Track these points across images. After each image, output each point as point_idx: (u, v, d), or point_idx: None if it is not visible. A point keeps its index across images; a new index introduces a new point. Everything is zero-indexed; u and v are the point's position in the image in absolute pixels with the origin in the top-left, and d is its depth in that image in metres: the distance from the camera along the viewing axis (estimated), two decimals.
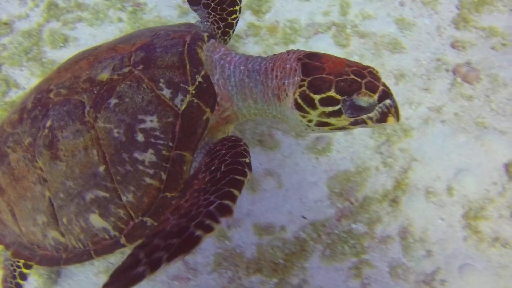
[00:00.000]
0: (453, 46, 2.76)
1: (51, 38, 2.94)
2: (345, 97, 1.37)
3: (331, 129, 1.48)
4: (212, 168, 1.33)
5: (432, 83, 2.70)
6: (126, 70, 1.50)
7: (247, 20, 2.89)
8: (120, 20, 2.99)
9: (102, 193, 1.51)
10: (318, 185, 2.54)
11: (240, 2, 1.79)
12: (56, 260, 1.71)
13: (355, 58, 2.78)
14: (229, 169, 1.30)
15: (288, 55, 1.51)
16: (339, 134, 2.54)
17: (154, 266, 0.98)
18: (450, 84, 2.70)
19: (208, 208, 1.12)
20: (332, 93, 1.37)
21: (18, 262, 1.95)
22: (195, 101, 1.47)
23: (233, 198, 1.18)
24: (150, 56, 1.51)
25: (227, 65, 1.58)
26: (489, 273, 2.39)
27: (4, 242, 1.87)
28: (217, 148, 1.45)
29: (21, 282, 1.97)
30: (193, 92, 1.47)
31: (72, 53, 2.89)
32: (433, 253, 2.42)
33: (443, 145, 2.56)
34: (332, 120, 1.43)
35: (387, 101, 1.40)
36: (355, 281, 2.40)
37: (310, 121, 1.46)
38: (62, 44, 2.94)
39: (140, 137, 1.45)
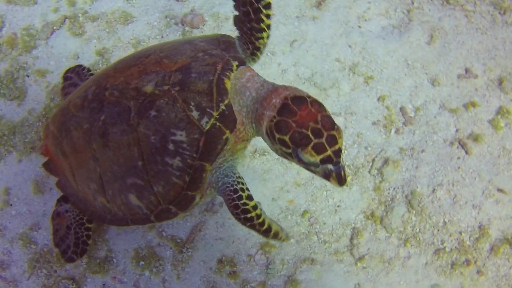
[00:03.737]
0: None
1: None
2: (293, 146, 1.58)
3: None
4: None
5: (166, 40, 2.98)
6: (165, 88, 1.78)
7: None
8: None
9: (139, 181, 1.89)
10: None
11: (268, 29, 1.90)
12: (103, 218, 2.19)
13: (93, 42, 2.99)
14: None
15: (282, 90, 1.70)
16: None
17: None
18: (181, 35, 2.99)
19: None
20: (286, 138, 1.59)
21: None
22: (218, 124, 1.76)
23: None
24: (186, 80, 1.78)
25: (247, 92, 1.80)
26: (258, 181, 2.80)
27: (65, 191, 2.36)
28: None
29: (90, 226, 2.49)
30: (217, 116, 1.76)
31: None
32: None
33: None
34: (289, 157, 1.68)
35: (329, 166, 1.56)
36: (151, 232, 2.74)
37: (276, 150, 1.73)
38: None
39: (171, 146, 1.77)
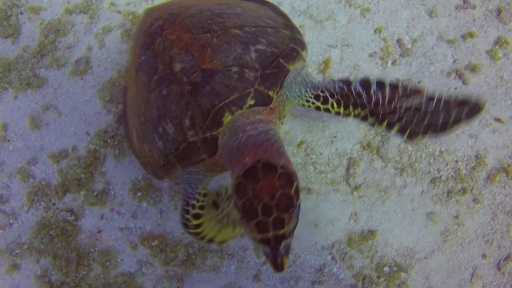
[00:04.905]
0: None
1: None
2: (240, 216, 1.49)
3: None
4: None
5: None
6: (184, 79, 1.73)
7: None
8: None
9: (138, 129, 1.99)
10: (91, 100, 2.80)
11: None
12: (125, 127, 2.38)
13: None
14: None
15: (261, 151, 1.57)
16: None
17: None
18: None
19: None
20: (238, 203, 1.49)
21: None
22: (199, 144, 1.74)
23: None
24: (200, 87, 1.71)
25: (239, 134, 1.67)
26: None
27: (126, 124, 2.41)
28: None
29: None
30: (201, 138, 1.73)
31: None
32: None
33: None
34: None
35: (266, 248, 1.45)
36: None
37: None
38: None
39: (160, 130, 1.82)
